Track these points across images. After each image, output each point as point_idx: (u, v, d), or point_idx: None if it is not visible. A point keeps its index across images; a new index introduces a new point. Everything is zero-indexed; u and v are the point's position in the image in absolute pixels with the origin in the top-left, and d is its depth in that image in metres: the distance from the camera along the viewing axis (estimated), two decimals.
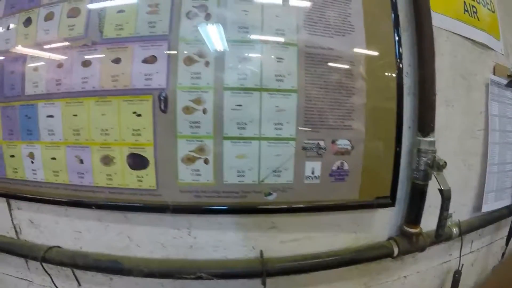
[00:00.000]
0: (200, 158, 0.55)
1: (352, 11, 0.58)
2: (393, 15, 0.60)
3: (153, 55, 0.55)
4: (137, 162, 0.56)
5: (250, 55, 0.54)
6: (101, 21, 0.58)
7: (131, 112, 0.55)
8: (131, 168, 0.56)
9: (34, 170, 0.63)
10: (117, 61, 0.56)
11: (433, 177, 0.60)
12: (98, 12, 0.59)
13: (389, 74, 0.59)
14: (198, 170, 0.55)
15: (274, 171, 0.55)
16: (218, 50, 0.54)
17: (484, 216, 0.77)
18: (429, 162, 0.59)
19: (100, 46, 0.58)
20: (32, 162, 0.63)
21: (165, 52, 0.55)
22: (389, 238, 0.65)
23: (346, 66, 0.56)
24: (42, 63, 0.61)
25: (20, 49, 0.64)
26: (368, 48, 0.58)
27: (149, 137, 0.55)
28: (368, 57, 0.58)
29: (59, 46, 0.60)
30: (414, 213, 0.62)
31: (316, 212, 0.59)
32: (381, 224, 0.64)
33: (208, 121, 0.54)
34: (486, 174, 0.75)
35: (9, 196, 0.67)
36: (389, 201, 0.60)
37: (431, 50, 0.62)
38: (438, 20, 0.67)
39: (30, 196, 0.64)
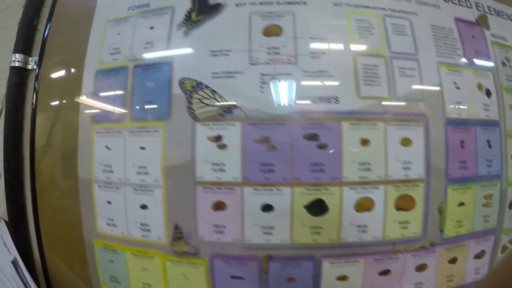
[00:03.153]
0: None
1: None
2: None
3: (483, 250, 0.52)
4: None
5: None
6: (442, 217, 0.46)
7: None
8: None
9: None
10: (453, 261, 0.50)
11: None
12: (438, 204, 0.46)
13: None
14: None
15: None
16: None
17: None
18: None
19: (438, 248, 0.48)
20: None
21: (492, 244, 0.53)
22: None
23: None
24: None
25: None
26: None
27: None
28: None
29: (383, 251, 0.44)
30: None
31: None
32: None
33: None
34: None
35: None
36: None
37: None
38: None
39: None
